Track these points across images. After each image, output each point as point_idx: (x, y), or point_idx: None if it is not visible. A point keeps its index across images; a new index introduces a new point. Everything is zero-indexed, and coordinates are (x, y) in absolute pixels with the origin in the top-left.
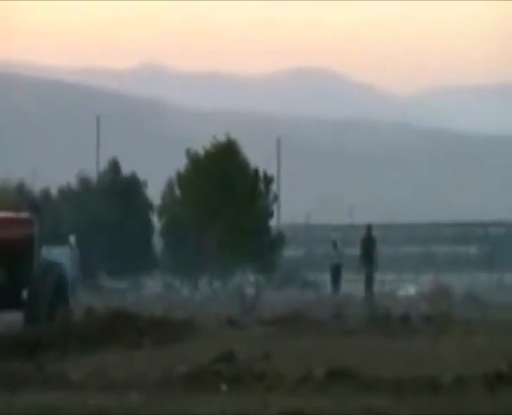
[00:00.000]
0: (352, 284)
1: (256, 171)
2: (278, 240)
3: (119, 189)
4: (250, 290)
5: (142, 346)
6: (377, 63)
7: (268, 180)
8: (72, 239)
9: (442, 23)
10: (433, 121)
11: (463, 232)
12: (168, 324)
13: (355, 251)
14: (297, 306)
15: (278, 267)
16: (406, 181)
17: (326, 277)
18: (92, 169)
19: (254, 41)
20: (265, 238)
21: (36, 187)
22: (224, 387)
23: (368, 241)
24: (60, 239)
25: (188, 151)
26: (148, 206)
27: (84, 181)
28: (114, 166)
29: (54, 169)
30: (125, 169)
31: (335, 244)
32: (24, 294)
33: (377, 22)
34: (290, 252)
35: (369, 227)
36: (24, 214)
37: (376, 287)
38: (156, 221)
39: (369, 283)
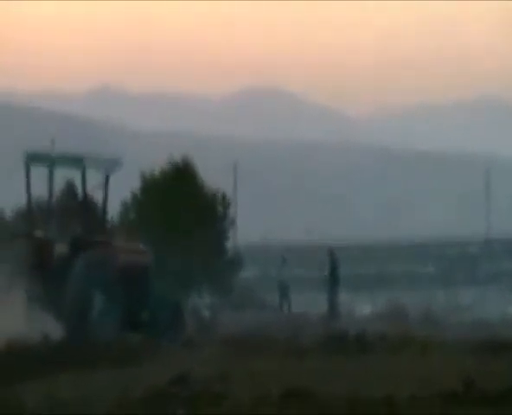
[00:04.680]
0: (307, 304)
1: (214, 194)
2: (236, 262)
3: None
4: (206, 312)
5: (97, 368)
6: (332, 84)
7: (226, 202)
8: None
9: (398, 43)
10: (389, 141)
11: (419, 250)
12: (123, 346)
13: (309, 271)
14: (254, 327)
15: (234, 288)
16: (363, 200)
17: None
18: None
19: (208, 62)
20: (223, 259)
21: None
22: (181, 412)
23: (332, 263)
24: None
25: (143, 173)
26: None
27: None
28: (70, 188)
29: (6, 191)
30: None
31: (284, 261)
32: (144, 316)
33: (332, 44)
34: (246, 273)
35: (332, 251)
36: (141, 245)
37: (339, 308)
38: None
39: (334, 304)
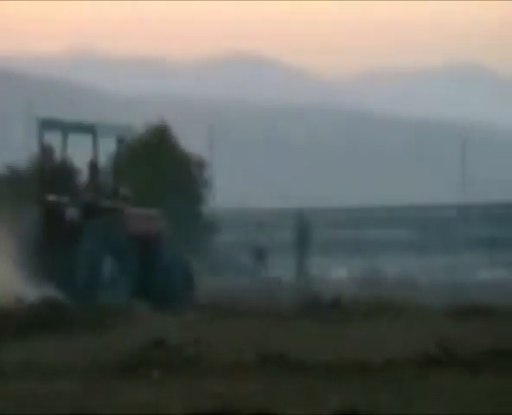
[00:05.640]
0: (282, 269)
1: (188, 156)
2: (212, 226)
3: (53, 177)
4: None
5: (73, 333)
6: (310, 47)
7: (201, 165)
8: None
9: (377, 10)
10: (365, 105)
11: (394, 215)
12: (99, 311)
13: (285, 235)
14: (230, 291)
15: (211, 252)
16: (336, 167)
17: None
18: (24, 156)
19: (185, 25)
20: (199, 223)
21: None
22: (156, 374)
23: (301, 228)
24: None
25: (118, 138)
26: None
27: (12, 170)
28: (47, 153)
29: None
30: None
31: (260, 225)
32: (155, 281)
33: (310, 6)
34: (223, 237)
35: (300, 215)
36: (156, 210)
37: (308, 271)
38: None
39: (302, 268)
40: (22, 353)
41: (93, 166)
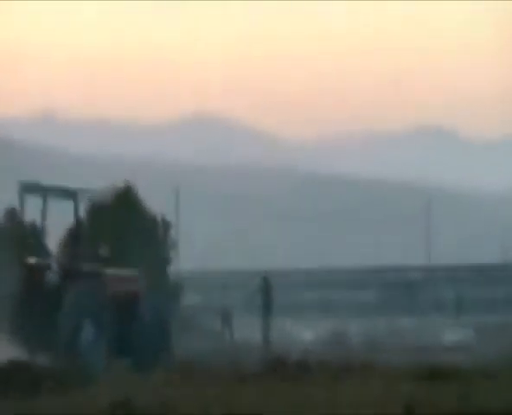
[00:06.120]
0: (247, 330)
1: (154, 218)
2: (177, 289)
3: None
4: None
5: (38, 394)
6: (271, 109)
7: (167, 226)
8: None
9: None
10: (324, 168)
11: (360, 277)
12: (65, 371)
13: (250, 296)
14: (196, 353)
15: (178, 315)
16: (299, 228)
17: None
18: None
19: (149, 86)
20: (164, 284)
21: None
22: None
23: (265, 290)
24: None
25: (87, 199)
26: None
27: None
28: (11, 215)
29: None
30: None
31: (225, 287)
32: (134, 341)
33: (274, 64)
34: (189, 299)
35: (265, 278)
36: (133, 271)
37: (273, 333)
38: None
39: (267, 330)
40: None
41: (74, 229)
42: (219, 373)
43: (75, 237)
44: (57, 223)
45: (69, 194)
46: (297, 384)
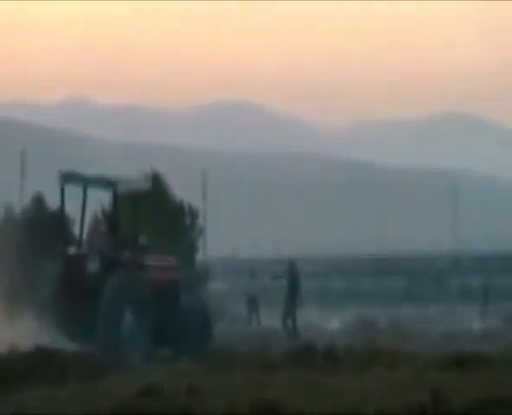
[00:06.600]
0: (275, 318)
1: (182, 205)
2: (204, 275)
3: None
4: None
5: (65, 382)
6: (302, 96)
7: (194, 213)
8: None
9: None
10: (357, 155)
11: (387, 265)
12: (92, 359)
13: (279, 283)
14: (223, 340)
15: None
16: (330, 214)
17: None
18: (17, 202)
19: (181, 74)
20: (191, 272)
21: None
22: None
23: (292, 276)
24: None
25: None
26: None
27: (8, 215)
28: (39, 201)
29: None
30: (51, 204)
31: (253, 273)
32: (174, 330)
33: (311, 56)
34: (216, 286)
35: (292, 263)
36: (171, 259)
37: (300, 320)
38: None
39: (294, 318)
40: (13, 402)
41: (114, 219)
42: (246, 360)
43: (114, 226)
44: (76, 212)
45: (110, 183)
46: (324, 371)
